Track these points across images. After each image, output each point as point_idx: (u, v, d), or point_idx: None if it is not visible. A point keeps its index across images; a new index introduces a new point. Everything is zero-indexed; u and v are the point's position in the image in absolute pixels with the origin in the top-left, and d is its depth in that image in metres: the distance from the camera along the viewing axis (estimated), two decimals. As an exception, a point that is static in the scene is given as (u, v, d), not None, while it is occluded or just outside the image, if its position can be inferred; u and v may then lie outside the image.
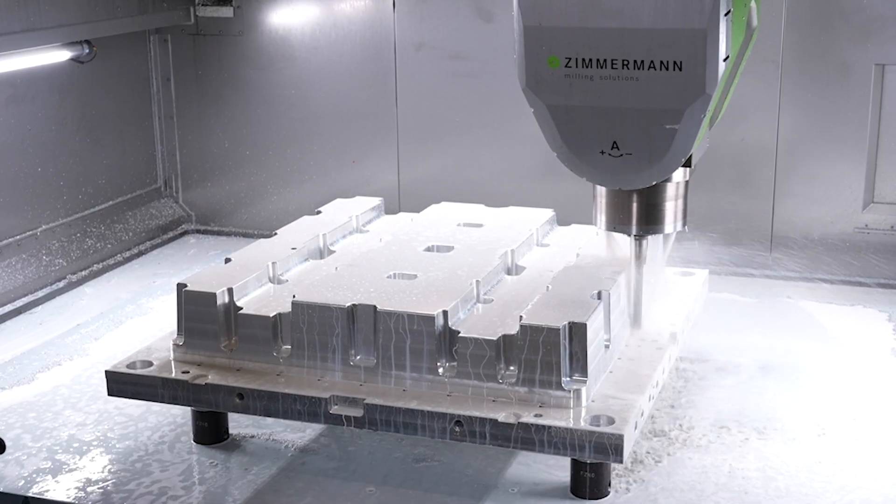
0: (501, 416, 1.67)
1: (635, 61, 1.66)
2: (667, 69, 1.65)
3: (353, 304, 1.80)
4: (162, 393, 1.85)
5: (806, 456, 1.88)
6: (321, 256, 2.19)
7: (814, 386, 2.16)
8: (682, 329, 2.03)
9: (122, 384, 1.88)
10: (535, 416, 1.66)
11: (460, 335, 1.74)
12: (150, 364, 1.89)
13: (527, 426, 1.65)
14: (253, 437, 1.98)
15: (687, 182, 1.89)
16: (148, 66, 3.23)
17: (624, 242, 1.97)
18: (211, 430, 1.95)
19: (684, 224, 1.94)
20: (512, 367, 1.72)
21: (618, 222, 1.90)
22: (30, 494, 1.81)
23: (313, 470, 1.86)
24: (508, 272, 2.07)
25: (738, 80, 1.90)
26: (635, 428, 1.69)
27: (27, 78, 2.74)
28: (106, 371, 1.89)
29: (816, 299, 2.65)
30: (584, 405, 1.69)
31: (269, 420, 1.99)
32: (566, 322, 1.70)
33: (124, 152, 3.16)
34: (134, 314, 2.63)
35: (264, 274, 2.01)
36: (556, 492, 1.77)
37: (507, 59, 2.85)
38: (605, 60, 1.68)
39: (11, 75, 2.67)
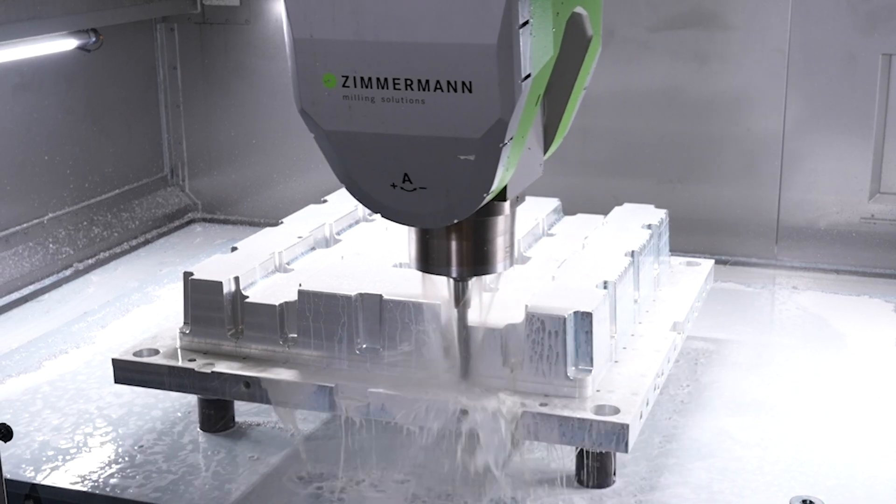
0: (507, 405, 1.67)
1: (420, 81, 1.40)
2: (455, 90, 1.39)
3: (359, 293, 1.80)
4: (168, 381, 1.85)
5: (807, 439, 1.89)
6: (327, 245, 2.19)
7: (818, 376, 2.16)
8: (686, 319, 2.03)
9: (128, 372, 1.89)
10: (541, 404, 1.67)
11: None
12: (157, 352, 1.89)
13: (532, 415, 1.65)
14: (259, 424, 1.98)
15: (514, 213, 1.65)
16: (154, 55, 3.23)
17: (441, 284, 1.71)
18: (217, 418, 1.96)
19: (513, 262, 1.69)
20: (518, 356, 1.72)
21: (434, 263, 1.63)
22: (37, 482, 1.82)
23: (318, 458, 1.87)
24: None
25: (580, 97, 1.67)
26: (640, 417, 1.69)
27: (34, 66, 2.74)
28: (112, 359, 1.90)
29: (822, 289, 2.65)
30: (589, 394, 1.69)
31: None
32: (572, 311, 1.70)
33: (131, 141, 3.16)
34: (140, 302, 2.64)
35: (270, 263, 2.02)
36: (560, 480, 1.78)
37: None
38: (386, 80, 1.41)
39: (18, 63, 2.67)
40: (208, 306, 1.89)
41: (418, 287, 1.81)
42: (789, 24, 2.69)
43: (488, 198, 1.48)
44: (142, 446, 1.92)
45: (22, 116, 2.74)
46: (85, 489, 1.79)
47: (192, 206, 3.33)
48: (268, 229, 2.20)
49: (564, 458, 1.82)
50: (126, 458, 1.88)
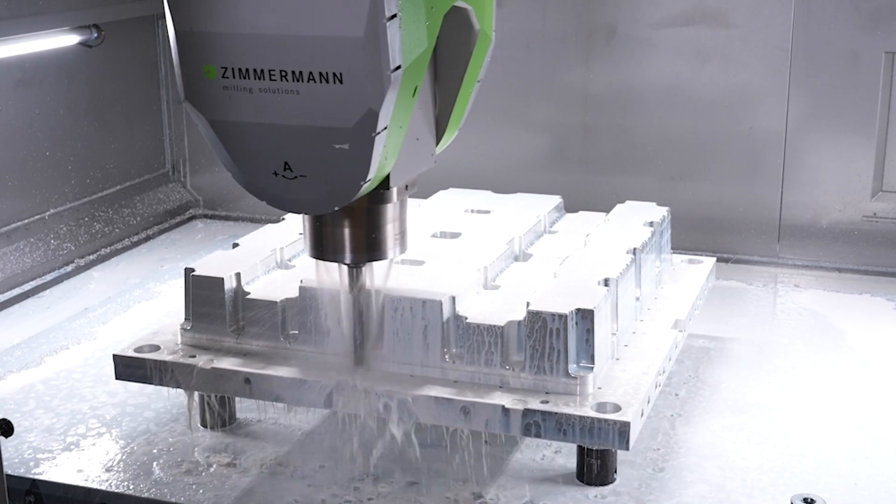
0: (508, 403, 1.67)
1: (293, 72, 1.46)
2: (327, 81, 1.45)
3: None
4: (169, 377, 1.85)
5: (808, 438, 1.89)
6: (328, 242, 2.19)
7: (819, 374, 2.16)
8: (688, 316, 2.03)
9: (129, 368, 1.89)
10: (542, 402, 1.66)
11: (467, 321, 1.74)
12: (158, 348, 1.89)
13: (533, 412, 1.65)
14: (259, 421, 1.98)
15: (404, 201, 1.70)
16: (156, 51, 3.23)
17: (334, 270, 1.75)
18: (218, 415, 1.95)
19: (404, 249, 1.74)
20: (519, 354, 1.72)
21: (329, 250, 1.69)
22: (37, 477, 1.82)
23: (319, 454, 1.87)
24: (516, 258, 2.07)
25: (474, 90, 1.74)
26: (641, 415, 1.69)
27: (35, 62, 2.74)
28: (113, 355, 1.90)
29: (824, 288, 2.65)
30: (590, 392, 1.69)
31: (276, 404, 1.99)
32: (573, 308, 1.70)
33: (132, 137, 3.16)
34: (141, 298, 2.64)
35: (272, 259, 2.02)
36: (562, 478, 1.78)
37: (517, 45, 2.85)
38: (262, 71, 1.48)
39: (20, 59, 2.67)
40: (210, 302, 1.89)
41: (420, 284, 1.81)
42: (792, 22, 2.69)
43: (369, 186, 1.54)
44: (141, 444, 1.92)
45: (23, 112, 2.74)
46: (86, 485, 1.79)
47: (194, 203, 3.33)
48: (269, 226, 2.19)
49: (565, 457, 1.82)
50: (126, 456, 1.88)
